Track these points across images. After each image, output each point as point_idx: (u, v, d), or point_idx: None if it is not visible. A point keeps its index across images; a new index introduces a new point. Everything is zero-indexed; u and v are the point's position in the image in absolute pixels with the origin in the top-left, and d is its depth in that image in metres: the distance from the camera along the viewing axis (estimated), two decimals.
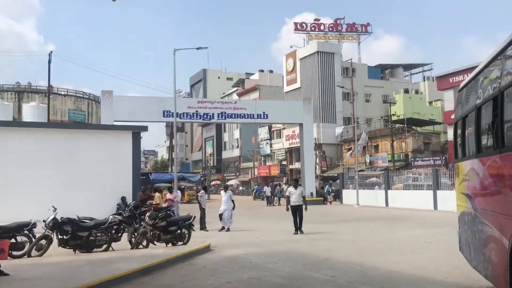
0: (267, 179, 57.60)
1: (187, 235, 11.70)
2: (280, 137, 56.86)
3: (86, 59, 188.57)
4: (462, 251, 6.87)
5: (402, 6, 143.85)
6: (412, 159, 40.91)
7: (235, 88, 73.58)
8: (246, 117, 30.73)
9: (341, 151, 49.63)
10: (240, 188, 62.23)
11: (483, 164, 5.25)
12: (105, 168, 17.05)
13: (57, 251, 10.41)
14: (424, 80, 62.49)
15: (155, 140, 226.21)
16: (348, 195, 32.35)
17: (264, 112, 30.90)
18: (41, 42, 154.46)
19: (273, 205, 33.32)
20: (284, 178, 52.14)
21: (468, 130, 6.19)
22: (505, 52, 4.55)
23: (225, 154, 75.92)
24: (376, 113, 52.33)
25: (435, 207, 24.44)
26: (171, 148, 23.31)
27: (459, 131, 6.78)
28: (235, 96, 67.45)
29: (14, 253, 10.12)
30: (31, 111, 37.44)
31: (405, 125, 43.37)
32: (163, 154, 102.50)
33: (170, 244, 11.45)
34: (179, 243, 11.52)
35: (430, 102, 56.92)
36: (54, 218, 10.23)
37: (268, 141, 59.84)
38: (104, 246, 10.83)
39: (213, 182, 68.35)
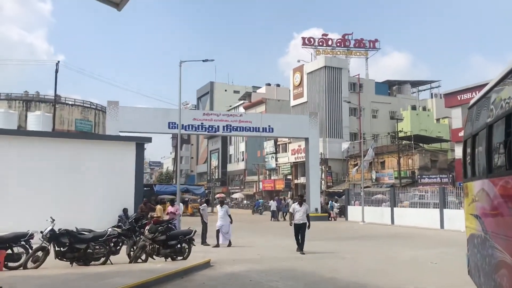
0: (272, 193, 57.21)
1: (187, 250, 11.43)
2: (286, 151, 56.61)
3: (95, 69, 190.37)
4: (471, 275, 6.58)
5: (411, 23, 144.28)
6: (419, 176, 40.47)
7: (242, 101, 73.65)
8: (252, 130, 30.56)
9: (347, 167, 49.26)
10: (245, 201, 61.85)
11: (494, 185, 5.00)
12: (108, 179, 16.88)
13: (54, 263, 10.18)
14: (431, 97, 62.19)
15: (161, 151, 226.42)
16: (353, 211, 31.92)
17: (269, 126, 30.73)
18: (51, 53, 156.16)
19: (278, 220, 32.92)
20: (289, 192, 51.75)
21: (478, 148, 5.95)
22: None
23: (230, 167, 75.70)
24: (383, 129, 52.02)
25: (442, 226, 23.99)
26: (176, 160, 23.20)
27: (468, 150, 6.53)
28: (241, 109, 67.44)
29: (10, 264, 9.91)
30: (35, 120, 37.49)
31: (412, 142, 43.00)
32: (168, 165, 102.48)
33: (169, 259, 11.19)
34: (179, 258, 11.26)
35: (438, 119, 56.54)
36: (52, 230, 10.02)
37: (273, 155, 59.60)
38: (102, 259, 10.59)
39: (217, 195, 67.94)
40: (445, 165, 43.33)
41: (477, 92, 36.71)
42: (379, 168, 45.19)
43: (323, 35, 57.87)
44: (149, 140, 18.93)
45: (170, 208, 16.70)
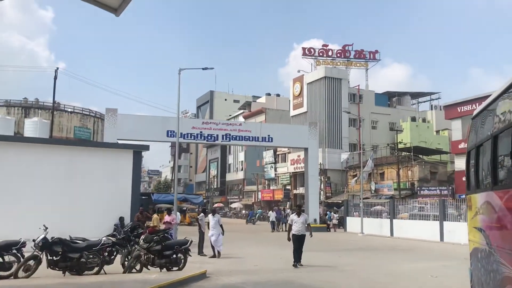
0: (271, 203, 56.90)
1: (183, 260, 11.20)
2: (285, 161, 56.42)
3: (95, 77, 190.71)
4: None
5: (410, 35, 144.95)
6: (418, 188, 40.27)
7: (242, 111, 73.62)
8: (251, 139, 30.39)
9: (346, 178, 49.06)
10: (243, 211, 61.52)
11: (500, 198, 4.82)
12: (104, 187, 16.66)
13: (46, 272, 9.94)
14: (431, 109, 62.20)
15: (160, 160, 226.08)
16: (352, 222, 31.66)
17: (269, 135, 30.56)
18: (51, 60, 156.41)
19: (278, 230, 32.55)
20: (288, 203, 51.45)
21: (482, 160, 5.78)
22: None
23: (229, 177, 75.41)
24: (383, 140, 51.91)
25: (442, 238, 23.75)
26: (174, 168, 23.02)
27: (472, 161, 6.36)
28: (241, 119, 67.39)
29: (0, 273, 9.66)
30: (32, 126, 37.19)
31: (412, 154, 42.84)
32: (167, 174, 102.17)
33: (164, 269, 10.95)
34: (174, 268, 11.02)
35: (437, 131, 56.48)
36: (44, 238, 9.79)
37: (272, 164, 59.39)
38: (96, 269, 10.34)
39: (216, 204, 67.66)
40: (445, 177, 43.13)
41: (477, 104, 36.75)
42: (379, 179, 44.98)
43: (323, 45, 57.96)
44: (146, 148, 18.74)
45: (166, 218, 16.46)
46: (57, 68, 31.24)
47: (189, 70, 29.86)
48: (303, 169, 37.85)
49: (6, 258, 9.89)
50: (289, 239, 13.01)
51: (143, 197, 41.18)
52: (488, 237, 5.36)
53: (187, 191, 78.65)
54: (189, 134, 28.65)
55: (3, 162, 15.42)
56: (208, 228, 15.11)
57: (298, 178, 51.60)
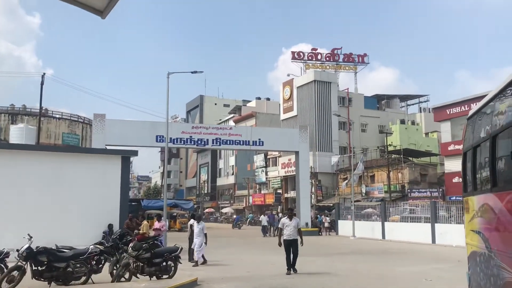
0: (262, 208, 56.68)
1: (173, 268, 10.91)
2: (276, 165, 56.29)
3: (84, 83, 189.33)
4: None
5: (397, 39, 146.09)
6: (409, 190, 40.34)
7: (232, 115, 73.39)
8: (241, 143, 30.18)
9: (337, 181, 49.02)
10: (234, 216, 61.18)
11: (500, 200, 4.66)
12: (92, 194, 16.30)
13: (31, 283, 9.61)
14: (420, 111, 62.54)
15: (150, 165, 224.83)
16: (344, 226, 31.54)
17: (259, 139, 30.38)
18: (39, 66, 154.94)
19: (271, 235, 32.20)
20: (279, 207, 51.25)
21: (480, 161, 5.63)
22: None
23: (220, 181, 75.04)
24: (372, 143, 52.00)
25: (433, 240, 23.70)
26: (164, 174, 22.77)
27: (468, 163, 6.20)
28: (231, 123, 67.12)
29: None
30: (18, 132, 36.49)
31: (402, 156, 42.94)
32: (157, 180, 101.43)
33: (154, 277, 10.66)
34: (164, 276, 10.73)
35: (427, 133, 56.76)
36: (29, 248, 9.45)
37: (263, 168, 59.21)
38: (83, 279, 10.03)
39: (206, 210, 67.24)
40: (435, 179, 43.28)
41: (466, 106, 37.03)
42: (369, 182, 45.00)
43: (312, 49, 58.08)
44: (135, 153, 18.42)
45: (156, 224, 16.15)
46: (44, 73, 30.81)
47: (179, 75, 29.49)
48: (294, 173, 37.72)
49: None
50: (280, 244, 12.38)
51: (133, 203, 40.79)
52: (487, 241, 5.21)
53: (178, 196, 78.12)
54: (178, 139, 28.35)
55: None
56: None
57: (289, 181, 51.47)
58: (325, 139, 51.23)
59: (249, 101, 78.77)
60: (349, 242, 25.56)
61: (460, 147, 31.94)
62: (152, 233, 15.45)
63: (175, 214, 40.57)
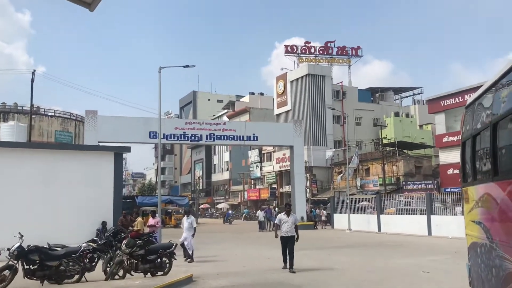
0: (257, 203, 56.59)
1: (167, 265, 10.76)
2: (271, 160, 56.17)
3: (76, 80, 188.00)
4: (473, 287, 6.09)
5: (390, 32, 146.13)
6: (404, 182, 40.37)
7: (225, 110, 73.10)
8: (235, 139, 29.99)
9: (331, 175, 49.00)
10: (230, 211, 61.06)
11: (502, 189, 4.53)
12: (85, 191, 16.06)
13: (23, 282, 9.42)
14: (414, 104, 62.60)
15: (144, 162, 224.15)
16: (340, 219, 31.49)
17: (253, 134, 30.20)
18: (31, 64, 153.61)
19: (269, 230, 31.99)
20: (274, 201, 51.18)
21: (480, 150, 5.49)
22: None
23: (215, 177, 74.85)
24: (367, 136, 52.00)
25: (429, 232, 23.70)
26: (158, 170, 22.58)
27: (468, 152, 6.07)
28: (225, 118, 66.89)
29: None
30: (9, 130, 36.06)
31: (396, 149, 42.94)
32: (151, 176, 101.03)
33: (149, 274, 10.51)
34: (159, 273, 10.58)
35: (421, 126, 56.84)
36: (20, 246, 9.24)
37: (258, 164, 59.07)
38: (76, 277, 9.85)
39: (202, 206, 67.07)
40: (430, 171, 43.34)
41: (459, 97, 37.05)
42: (364, 175, 45.01)
43: (305, 42, 57.82)
44: (128, 149, 18.17)
45: (151, 221, 15.97)
46: (34, 70, 30.32)
47: (171, 71, 29.38)
48: (289, 167, 37.63)
49: None
50: (276, 236, 12.07)
51: (128, 200, 40.54)
52: (488, 231, 5.08)
53: (173, 193, 77.91)
54: (172, 135, 28.11)
55: None
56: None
57: (284, 176, 51.39)
58: (319, 133, 51.14)
59: (243, 96, 78.47)
60: (345, 235, 25.51)
61: (455, 138, 31.98)
62: (146, 230, 15.27)
63: (170, 210, 40.36)
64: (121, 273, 10.35)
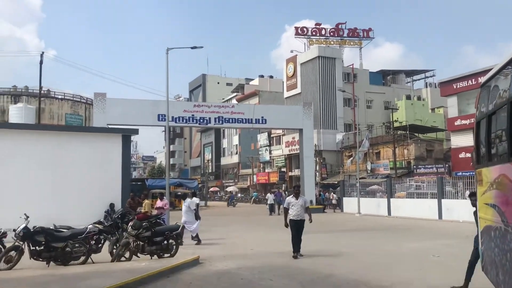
0: (266, 186, 56.58)
1: (174, 247, 10.69)
2: (280, 144, 55.92)
3: (86, 63, 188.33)
4: (486, 271, 5.89)
5: (402, 14, 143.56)
6: (415, 166, 39.95)
7: (235, 94, 72.74)
8: (244, 122, 29.72)
9: (341, 158, 48.67)
10: (239, 195, 61.28)
11: None
12: (93, 173, 16.08)
13: (30, 263, 9.42)
14: (426, 87, 61.61)
15: (154, 146, 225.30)
16: (349, 203, 31.32)
17: (262, 117, 29.91)
18: (42, 48, 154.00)
19: (279, 214, 31.87)
20: (283, 185, 51.11)
21: (496, 129, 5.23)
22: None
23: (224, 161, 74.93)
24: (378, 119, 51.41)
25: (440, 216, 23.44)
26: (168, 154, 22.51)
27: (482, 132, 5.80)
28: (234, 102, 66.57)
29: None
30: (17, 112, 36.10)
31: (407, 132, 42.41)
32: (161, 159, 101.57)
33: (155, 256, 10.45)
34: (166, 255, 10.52)
35: (433, 109, 56.01)
36: (25, 227, 9.21)
37: (267, 147, 58.88)
38: (82, 258, 9.82)
39: (211, 189, 67.30)
40: (441, 155, 42.82)
41: (472, 80, 36.29)
42: (374, 159, 44.63)
43: (316, 24, 56.88)
44: (135, 132, 18.09)
45: (159, 203, 15.94)
46: (43, 52, 30.29)
47: (181, 55, 29.21)
48: (298, 151, 37.35)
49: None
50: (286, 226, 11.15)
51: (138, 183, 40.78)
52: (503, 214, 4.85)
53: (182, 176, 78.23)
54: (180, 118, 27.94)
55: None
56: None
57: (293, 160, 51.18)
58: (329, 116, 50.66)
59: (252, 80, 77.95)
60: (354, 219, 25.36)
61: (467, 122, 31.50)
62: (155, 212, 15.26)
63: (180, 193, 40.51)
64: (127, 255, 10.31)
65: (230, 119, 29.33)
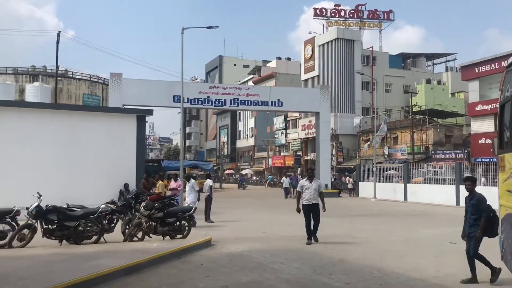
0: (281, 170, 56.46)
1: (186, 228, 10.65)
2: (296, 127, 55.54)
3: (103, 43, 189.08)
4: (506, 260, 5.66)
5: None
6: (433, 151, 39.31)
7: (251, 76, 72.19)
8: (260, 104, 29.47)
9: (358, 142, 48.15)
10: (254, 178, 61.32)
11: None
12: (108, 153, 16.11)
13: (42, 241, 9.48)
14: (447, 71, 60.26)
15: (171, 127, 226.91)
16: (365, 187, 31.02)
17: (278, 100, 29.61)
18: (60, 28, 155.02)
19: (291, 198, 31.80)
20: (299, 168, 50.91)
21: None
22: None
23: (240, 143, 74.92)
24: (396, 103, 50.58)
25: (457, 202, 23.00)
26: (184, 135, 22.56)
27: (507, 116, 5.50)
28: (251, 84, 66.19)
29: None
30: (34, 91, 36.40)
31: (427, 117, 41.63)
32: (177, 141, 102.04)
33: (168, 237, 10.42)
34: (178, 236, 10.48)
35: (453, 94, 54.84)
36: (38, 206, 9.24)
37: (283, 130, 58.56)
38: (94, 238, 9.85)
39: (226, 171, 67.49)
40: (460, 141, 42.04)
41: (495, 64, 35.27)
42: (392, 144, 44.04)
43: (335, 5, 55.75)
44: (150, 112, 18.03)
45: (172, 184, 15.94)
46: (59, 31, 30.31)
47: (197, 36, 29.06)
48: (314, 135, 37.02)
49: (0, 227, 9.44)
50: (298, 210, 10.66)
51: (154, 164, 41.03)
52: None
53: (198, 158, 78.56)
54: (196, 99, 27.83)
55: (1, 128, 14.86)
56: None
57: (310, 143, 50.83)
58: (347, 99, 49.99)
59: (269, 62, 77.22)
60: (370, 204, 25.10)
61: (488, 107, 30.72)
62: (168, 193, 15.26)
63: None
64: (139, 235, 10.31)
65: (246, 101, 29.12)
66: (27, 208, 9.30)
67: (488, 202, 6.23)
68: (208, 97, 28.11)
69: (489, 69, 35.87)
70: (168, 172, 35.97)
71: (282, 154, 59.52)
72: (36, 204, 9.26)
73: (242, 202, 25.81)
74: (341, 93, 49.54)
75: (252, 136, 69.97)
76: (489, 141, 32.11)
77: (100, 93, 57.72)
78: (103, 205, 10.18)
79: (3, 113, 15.13)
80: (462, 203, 22.71)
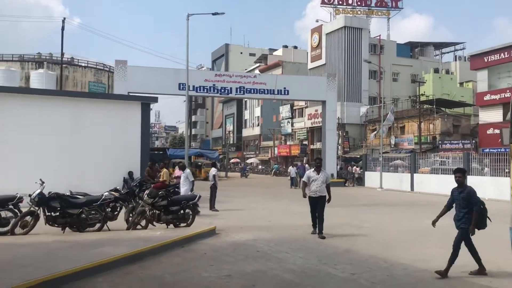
0: (287, 159, 56.34)
1: (190, 216, 10.55)
2: (302, 116, 55.27)
3: (109, 31, 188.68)
4: None
5: None
6: (440, 141, 38.99)
7: (258, 64, 71.76)
8: (266, 92, 29.22)
9: (365, 132, 47.86)
10: (260, 167, 61.25)
11: None
12: (112, 140, 16.06)
13: (45, 229, 9.42)
14: (455, 60, 59.54)
15: (177, 115, 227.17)
16: (371, 177, 30.82)
17: (285, 88, 29.34)
18: (66, 15, 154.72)
19: (298, 187, 31.66)
20: (305, 158, 50.74)
21: None
22: None
23: (246, 132, 74.78)
24: (404, 92, 50.12)
25: None
26: (189, 124, 22.41)
27: None
28: (257, 72, 65.81)
29: None
30: (38, 78, 36.37)
31: (434, 106, 41.20)
32: (183, 130, 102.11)
33: (171, 225, 10.34)
34: (182, 224, 10.40)
35: (461, 83, 54.23)
36: (41, 193, 9.17)
37: (289, 120, 58.31)
38: (98, 225, 9.78)
39: (232, 160, 67.47)
40: (468, 131, 41.65)
41: (505, 53, 34.77)
42: (399, 133, 43.73)
43: None
44: (155, 100, 17.92)
45: (177, 172, 15.83)
46: (64, 18, 30.19)
47: (204, 24, 28.72)
48: (321, 124, 36.77)
49: (3, 214, 9.39)
50: (305, 196, 10.34)
51: (160, 152, 41.08)
52: None
53: (204, 146, 78.61)
54: (201, 87, 27.63)
55: (6, 115, 14.82)
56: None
57: (316, 133, 50.60)
58: (354, 88, 49.58)
59: (276, 50, 76.68)
60: (375, 194, 24.96)
61: (497, 97, 30.34)
62: (173, 181, 15.17)
63: (200, 163, 40.70)
64: (143, 223, 10.23)
65: (252, 90, 28.90)
66: (29, 195, 9.23)
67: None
68: (214, 85, 27.91)
69: (498, 58, 35.39)
70: (174, 160, 36.01)
71: (288, 143, 59.33)
72: (38, 191, 9.19)
73: (247, 191, 25.73)
74: (348, 82, 49.13)
75: (258, 125, 69.78)
76: (497, 131, 31.73)
77: (106, 81, 57.69)
78: (106, 193, 10.10)
79: (7, 99, 15.07)
80: None
